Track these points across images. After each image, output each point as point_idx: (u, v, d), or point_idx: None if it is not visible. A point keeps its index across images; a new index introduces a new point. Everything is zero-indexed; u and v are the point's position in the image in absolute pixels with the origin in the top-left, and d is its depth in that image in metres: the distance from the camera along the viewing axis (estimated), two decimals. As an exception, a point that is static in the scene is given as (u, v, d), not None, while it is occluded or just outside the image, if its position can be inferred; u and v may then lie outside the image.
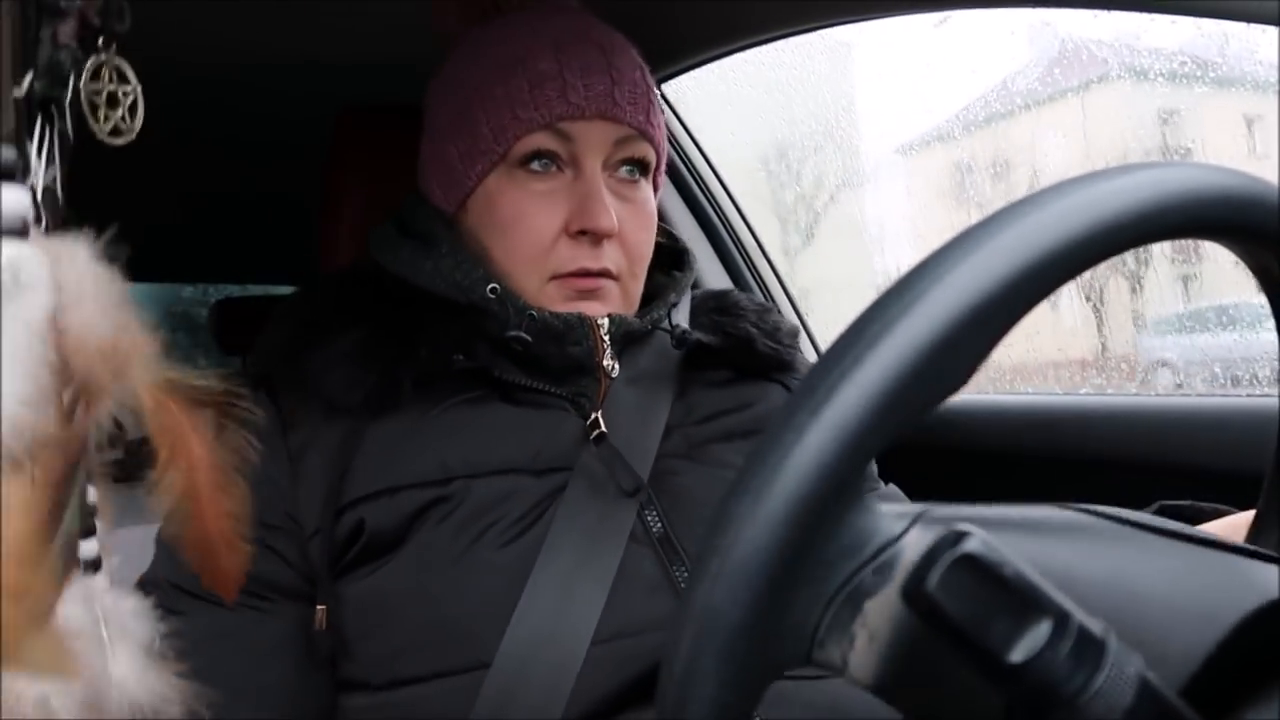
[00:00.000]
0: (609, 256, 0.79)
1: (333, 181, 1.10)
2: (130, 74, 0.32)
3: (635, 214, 0.81)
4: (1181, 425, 1.05)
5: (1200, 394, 1.13)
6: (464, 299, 0.79)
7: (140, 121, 0.32)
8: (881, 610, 0.34)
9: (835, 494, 0.33)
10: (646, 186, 0.84)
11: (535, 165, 0.79)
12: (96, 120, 0.31)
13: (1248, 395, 1.04)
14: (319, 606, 0.73)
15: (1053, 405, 1.24)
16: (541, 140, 0.78)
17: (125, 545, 0.35)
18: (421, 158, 0.87)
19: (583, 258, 0.78)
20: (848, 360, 0.33)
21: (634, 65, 0.83)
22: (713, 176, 1.51)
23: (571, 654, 0.68)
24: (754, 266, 1.51)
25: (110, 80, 0.32)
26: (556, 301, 0.80)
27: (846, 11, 1.12)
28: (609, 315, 0.80)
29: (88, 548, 0.29)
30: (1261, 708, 0.34)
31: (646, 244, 0.84)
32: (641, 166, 0.83)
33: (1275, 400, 0.45)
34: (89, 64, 0.31)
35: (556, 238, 0.79)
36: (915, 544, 0.35)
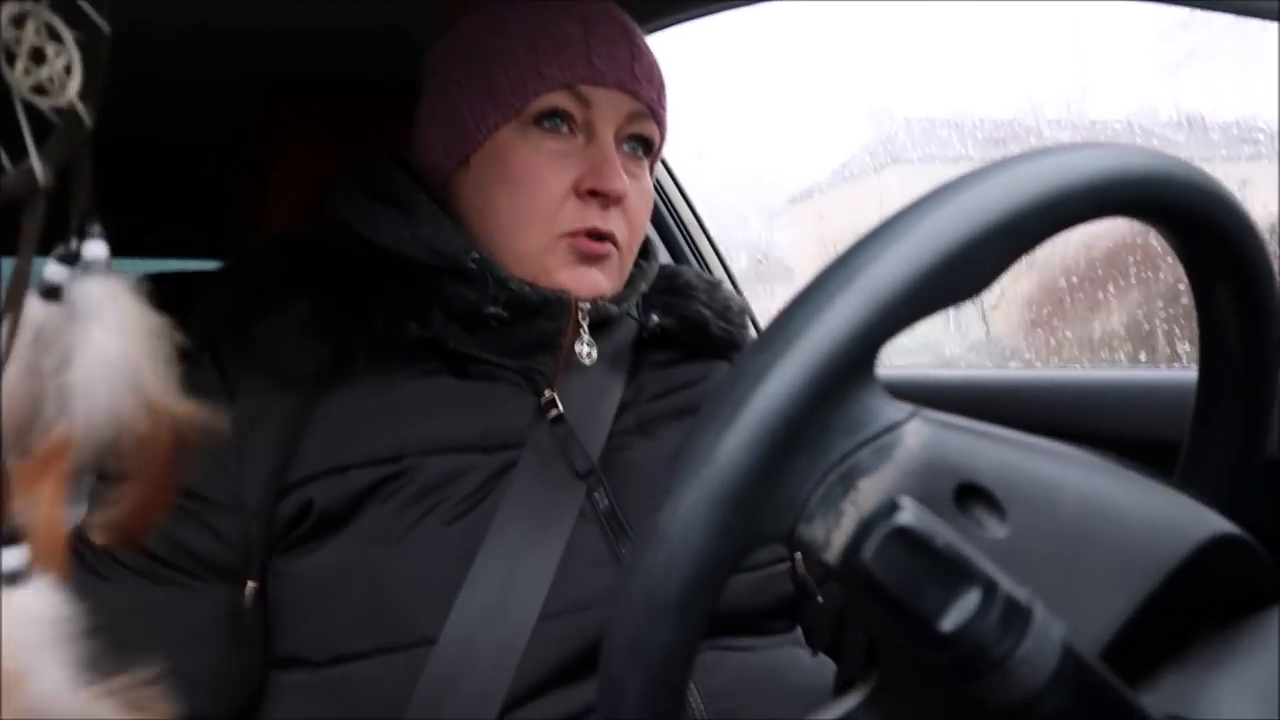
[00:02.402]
0: (615, 222, 0.79)
1: (262, 155, 1.07)
2: (65, 36, 0.29)
3: (639, 191, 0.82)
4: (1108, 397, 1.08)
5: (1127, 366, 1.16)
6: (443, 266, 0.78)
7: (76, 88, 0.30)
8: (873, 492, 0.35)
9: (854, 364, 0.34)
10: (647, 168, 0.85)
11: (548, 124, 0.79)
12: (13, 69, 0.28)
13: (1169, 368, 1.07)
14: (250, 583, 0.71)
15: (984, 379, 1.27)
16: (560, 100, 0.78)
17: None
18: (419, 118, 0.85)
19: (591, 217, 0.78)
20: (885, 237, 0.34)
21: (651, 49, 0.84)
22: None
23: (517, 629, 0.68)
24: (694, 243, 1.51)
25: (38, 34, 0.29)
26: (561, 263, 0.78)
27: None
28: (593, 301, 0.79)
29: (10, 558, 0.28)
30: (1177, 672, 0.35)
31: (645, 223, 0.84)
32: (646, 146, 0.83)
33: (1195, 372, 0.48)
34: (7, 7, 0.28)
35: (565, 196, 0.78)
36: (915, 433, 0.36)
